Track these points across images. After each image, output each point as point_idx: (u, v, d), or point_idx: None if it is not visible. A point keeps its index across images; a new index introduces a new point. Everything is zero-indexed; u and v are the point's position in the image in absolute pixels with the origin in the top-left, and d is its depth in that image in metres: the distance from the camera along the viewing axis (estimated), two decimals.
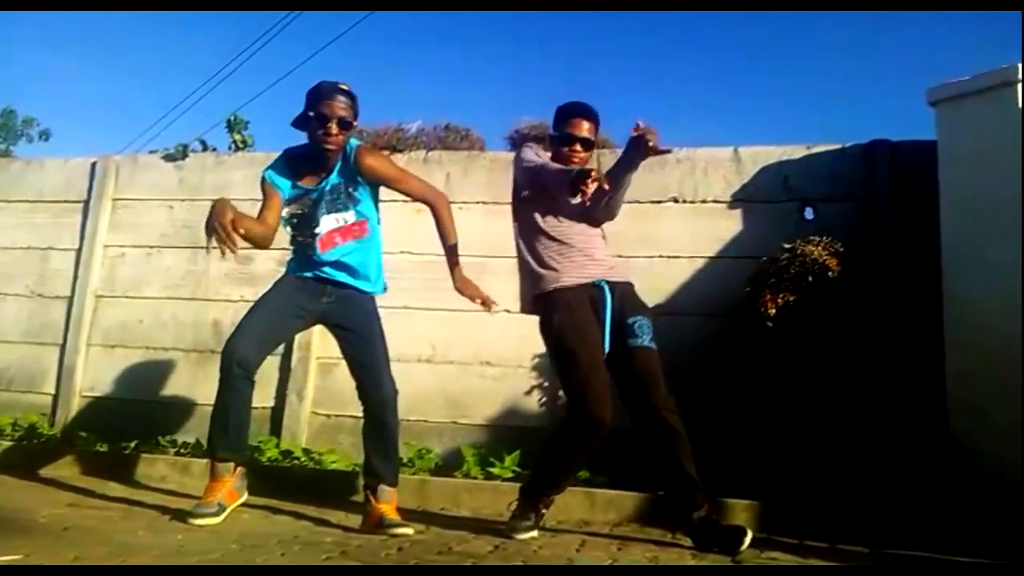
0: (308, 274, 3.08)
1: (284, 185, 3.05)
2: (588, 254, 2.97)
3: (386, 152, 4.31)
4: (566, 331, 2.85)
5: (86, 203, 5.10)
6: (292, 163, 3.08)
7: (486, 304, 3.10)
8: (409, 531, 2.83)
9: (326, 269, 3.07)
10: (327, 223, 3.05)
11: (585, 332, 2.84)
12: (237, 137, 5.22)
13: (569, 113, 3.08)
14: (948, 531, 2.88)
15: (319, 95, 2.97)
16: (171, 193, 5.02)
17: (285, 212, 3.07)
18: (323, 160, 3.03)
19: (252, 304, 3.12)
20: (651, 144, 2.59)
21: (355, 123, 3.05)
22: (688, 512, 2.76)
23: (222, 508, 2.84)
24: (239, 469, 2.98)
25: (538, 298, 2.97)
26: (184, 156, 5.07)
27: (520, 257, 3.08)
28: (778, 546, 2.73)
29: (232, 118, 5.26)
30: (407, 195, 3.23)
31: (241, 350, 2.90)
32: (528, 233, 3.04)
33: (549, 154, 3.08)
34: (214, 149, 5.18)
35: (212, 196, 4.85)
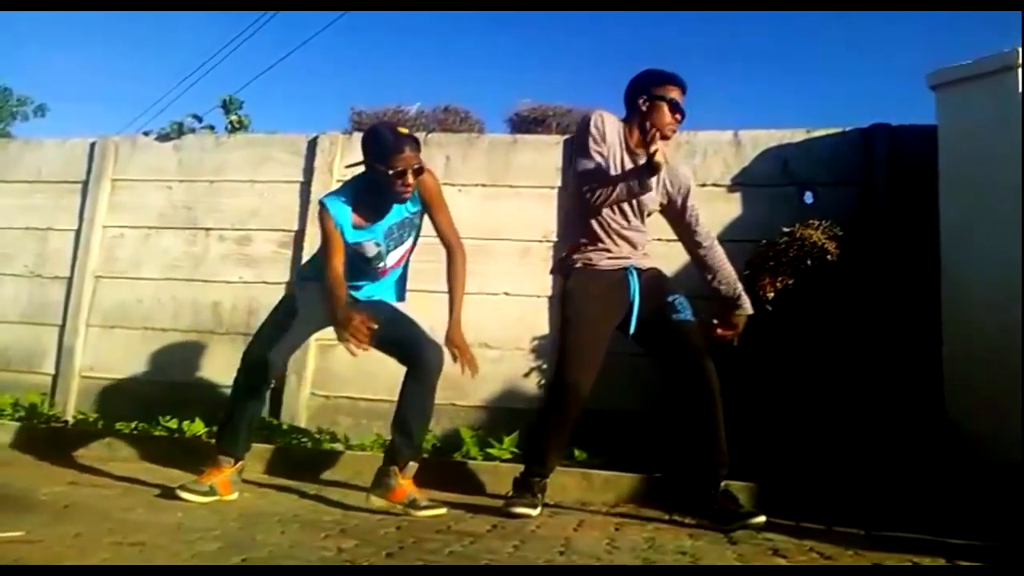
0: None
1: (346, 224, 2.96)
2: (622, 242, 3.01)
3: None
4: (574, 302, 2.95)
5: (85, 184, 5.10)
6: (355, 199, 2.98)
7: (471, 365, 3.00)
8: (443, 511, 2.82)
9: (369, 288, 3.12)
10: (392, 257, 3.10)
11: (589, 309, 2.92)
12: (233, 118, 5.19)
13: (666, 78, 2.98)
14: (944, 513, 2.90)
15: (390, 147, 2.85)
16: (170, 174, 5.01)
17: (348, 251, 2.98)
18: (391, 204, 2.99)
19: (281, 310, 3.08)
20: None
21: (425, 167, 2.98)
22: (707, 487, 2.86)
23: (212, 491, 2.86)
24: (240, 464, 3.02)
25: (564, 266, 3.07)
26: (180, 134, 5.06)
27: (564, 219, 3.11)
28: (775, 527, 2.74)
29: (227, 98, 5.23)
30: (436, 225, 3.12)
31: (274, 360, 2.94)
32: (573, 205, 3.09)
33: (618, 129, 2.98)
34: (212, 127, 5.16)
35: (211, 177, 4.93)
